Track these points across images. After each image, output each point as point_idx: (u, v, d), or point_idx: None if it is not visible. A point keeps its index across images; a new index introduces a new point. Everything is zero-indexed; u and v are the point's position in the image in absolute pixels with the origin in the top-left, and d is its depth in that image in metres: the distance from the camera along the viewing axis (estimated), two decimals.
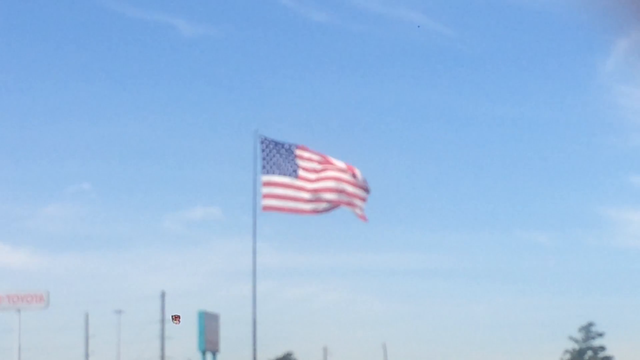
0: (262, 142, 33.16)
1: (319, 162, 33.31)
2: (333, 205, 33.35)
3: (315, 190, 33.09)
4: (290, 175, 33.01)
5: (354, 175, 33.23)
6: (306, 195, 33.02)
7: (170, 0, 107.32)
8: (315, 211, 33.16)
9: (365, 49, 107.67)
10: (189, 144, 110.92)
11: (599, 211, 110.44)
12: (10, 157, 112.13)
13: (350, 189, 33.11)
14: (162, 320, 77.01)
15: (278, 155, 33.08)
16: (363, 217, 33.36)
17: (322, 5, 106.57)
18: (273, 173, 32.90)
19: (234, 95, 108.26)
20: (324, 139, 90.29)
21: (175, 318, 25.00)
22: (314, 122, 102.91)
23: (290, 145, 33.37)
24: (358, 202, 33.20)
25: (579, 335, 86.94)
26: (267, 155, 33.02)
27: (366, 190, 33.38)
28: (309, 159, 33.27)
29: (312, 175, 33.16)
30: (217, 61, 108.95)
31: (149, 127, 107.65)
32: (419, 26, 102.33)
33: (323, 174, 33.25)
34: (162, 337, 76.88)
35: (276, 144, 33.24)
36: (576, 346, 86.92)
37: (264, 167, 32.97)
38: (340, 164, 33.40)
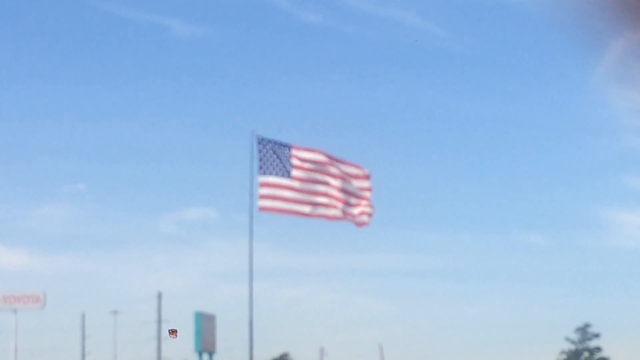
0: (259, 143, 33.10)
1: (320, 163, 33.20)
2: (333, 216, 33.18)
3: (314, 193, 33.02)
4: (287, 176, 32.98)
5: (358, 177, 33.03)
6: (303, 197, 32.99)
7: (164, 0, 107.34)
8: (314, 214, 33.09)
9: (359, 50, 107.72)
10: (184, 145, 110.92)
11: (594, 212, 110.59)
12: (5, 157, 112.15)
13: (352, 197, 32.94)
14: (159, 321, 77.07)
15: (275, 155, 33.04)
16: (364, 223, 33.25)
17: (315, 6, 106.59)
18: (270, 174, 32.86)
19: (229, 95, 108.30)
20: (318, 139, 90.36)
21: (172, 332, 25.22)
22: (309, 122, 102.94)
23: (287, 146, 33.35)
24: (361, 207, 33.00)
25: (575, 336, 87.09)
26: (264, 155, 32.96)
27: (368, 190, 33.20)
28: (308, 160, 33.22)
29: (313, 176, 33.11)
30: (211, 61, 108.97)
31: (144, 128, 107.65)
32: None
33: (324, 177, 33.13)
34: (159, 338, 76.94)
35: (273, 144, 33.19)
36: (572, 347, 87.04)
37: (260, 167, 32.90)
38: (342, 166, 33.24)
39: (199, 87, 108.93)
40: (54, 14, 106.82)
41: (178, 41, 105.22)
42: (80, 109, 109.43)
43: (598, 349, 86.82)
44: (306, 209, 33.02)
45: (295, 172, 33.04)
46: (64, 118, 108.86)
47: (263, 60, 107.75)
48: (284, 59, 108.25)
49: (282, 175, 32.95)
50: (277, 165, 32.99)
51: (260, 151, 33.01)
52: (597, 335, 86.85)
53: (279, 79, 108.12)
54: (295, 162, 33.13)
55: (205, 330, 55.05)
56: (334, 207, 33.07)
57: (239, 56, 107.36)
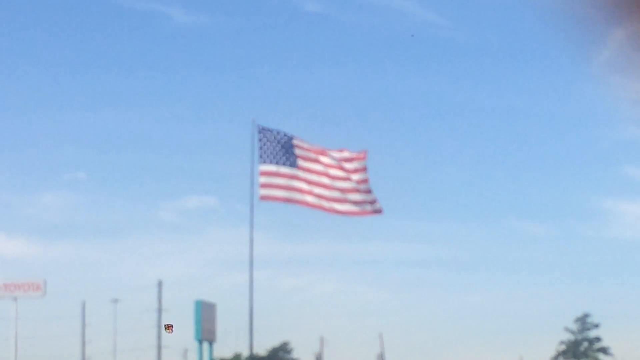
0: (259, 132, 33.11)
1: (320, 154, 33.17)
2: (337, 211, 33.06)
3: (316, 184, 32.97)
4: (289, 165, 32.98)
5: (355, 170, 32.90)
6: (306, 187, 32.97)
7: None
8: (315, 205, 33.03)
9: (359, 39, 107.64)
10: (184, 133, 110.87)
11: (594, 202, 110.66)
12: (5, 145, 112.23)
13: (354, 192, 32.82)
14: (159, 310, 77.18)
15: (276, 144, 33.04)
16: (378, 212, 33.14)
17: None
18: (271, 162, 32.87)
19: (229, 84, 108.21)
20: (319, 128, 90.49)
21: (168, 327, 25.37)
22: (310, 111, 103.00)
23: (289, 136, 33.35)
24: (363, 198, 32.91)
25: (574, 326, 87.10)
26: (265, 144, 32.97)
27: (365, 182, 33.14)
28: (308, 150, 33.22)
29: (313, 166, 33.10)
30: (212, 49, 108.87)
31: (145, 116, 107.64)
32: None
33: (325, 170, 33.05)
34: (159, 326, 77.07)
35: (274, 133, 33.20)
36: (572, 337, 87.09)
37: (261, 156, 32.92)
38: (339, 156, 33.13)
39: (200, 76, 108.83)
40: (53, 2, 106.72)
41: (179, 29, 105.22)
42: (81, 97, 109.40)
43: (597, 339, 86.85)
44: (308, 198, 33.03)
45: (297, 162, 33.04)
46: (64, 106, 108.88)
47: (263, 49, 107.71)
48: (285, 48, 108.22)
49: (284, 165, 32.95)
50: (277, 154, 32.99)
51: (260, 140, 33.03)
52: (596, 326, 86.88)
53: (280, 67, 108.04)
54: (297, 151, 33.13)
55: (205, 318, 55.13)
56: (337, 200, 33.05)
57: (240, 45, 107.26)
